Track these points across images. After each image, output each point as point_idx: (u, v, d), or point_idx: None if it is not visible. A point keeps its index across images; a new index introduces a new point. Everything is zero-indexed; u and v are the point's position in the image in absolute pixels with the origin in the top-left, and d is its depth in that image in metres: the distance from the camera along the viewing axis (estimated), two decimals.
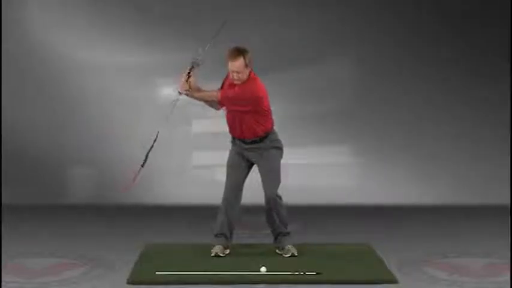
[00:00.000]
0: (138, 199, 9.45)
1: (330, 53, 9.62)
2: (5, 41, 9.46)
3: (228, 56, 6.29)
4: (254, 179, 6.62)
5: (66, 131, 9.59)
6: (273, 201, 6.49)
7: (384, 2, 9.62)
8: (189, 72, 6.40)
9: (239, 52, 6.27)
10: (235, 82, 6.35)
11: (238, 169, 6.56)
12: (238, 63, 6.26)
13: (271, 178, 6.50)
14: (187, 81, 6.40)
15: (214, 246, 6.60)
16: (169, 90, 9.60)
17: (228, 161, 6.63)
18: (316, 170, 9.49)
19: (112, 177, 9.57)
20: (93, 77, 9.59)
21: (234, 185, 6.57)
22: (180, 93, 6.42)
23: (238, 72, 6.29)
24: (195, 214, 8.88)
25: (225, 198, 6.59)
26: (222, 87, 6.54)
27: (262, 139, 6.52)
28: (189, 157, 9.67)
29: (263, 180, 6.53)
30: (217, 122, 9.44)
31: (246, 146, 6.55)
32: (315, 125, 9.61)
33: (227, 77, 6.50)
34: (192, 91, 6.44)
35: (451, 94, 9.65)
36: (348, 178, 9.58)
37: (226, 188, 6.59)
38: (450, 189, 9.50)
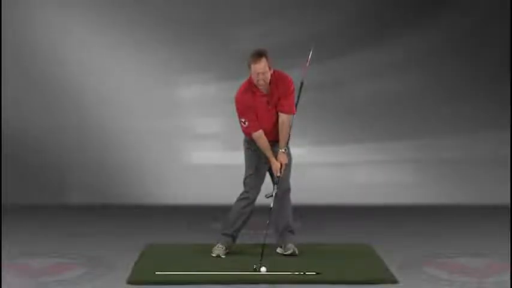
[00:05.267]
0: (138, 199, 9.45)
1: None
2: (6, 41, 9.46)
3: (251, 60, 6.33)
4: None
5: (66, 132, 9.59)
6: (288, 192, 6.58)
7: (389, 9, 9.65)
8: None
9: (260, 54, 6.34)
10: (260, 84, 6.37)
11: (262, 171, 6.56)
12: (262, 65, 6.32)
13: (288, 170, 6.56)
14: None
15: (215, 246, 6.58)
16: (168, 91, 9.64)
17: (254, 164, 6.56)
18: (316, 170, 9.48)
19: (112, 178, 9.57)
20: (94, 78, 9.59)
21: (258, 187, 6.57)
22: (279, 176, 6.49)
23: (263, 73, 6.34)
24: (195, 214, 8.89)
25: (248, 202, 6.55)
26: (248, 110, 6.42)
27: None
28: (189, 157, 9.66)
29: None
30: (217, 122, 9.50)
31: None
32: (314, 125, 9.61)
33: (247, 96, 6.43)
34: (276, 159, 6.47)
35: (450, 94, 9.65)
36: (348, 178, 9.58)
37: (249, 189, 6.55)
38: (450, 189, 9.51)
